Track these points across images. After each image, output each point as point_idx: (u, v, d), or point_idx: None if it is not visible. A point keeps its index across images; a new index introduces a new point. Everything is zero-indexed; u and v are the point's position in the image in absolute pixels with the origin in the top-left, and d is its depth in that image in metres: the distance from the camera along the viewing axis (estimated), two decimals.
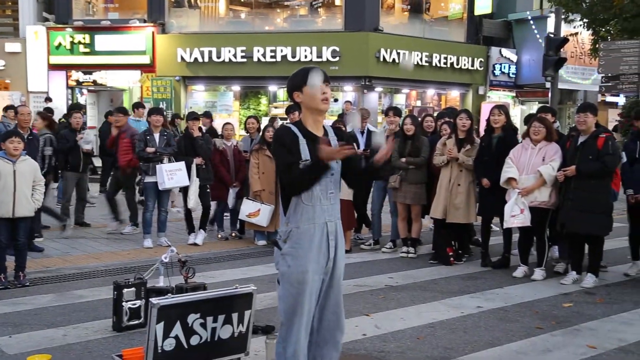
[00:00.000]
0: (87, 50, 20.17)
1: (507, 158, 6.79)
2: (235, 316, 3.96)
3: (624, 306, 5.82)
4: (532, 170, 6.59)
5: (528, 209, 6.55)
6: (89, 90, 21.24)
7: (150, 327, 3.62)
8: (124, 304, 4.87)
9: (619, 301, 5.99)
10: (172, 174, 7.93)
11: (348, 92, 20.49)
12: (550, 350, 4.67)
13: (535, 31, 21.91)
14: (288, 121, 8.52)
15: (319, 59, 18.82)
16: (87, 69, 20.47)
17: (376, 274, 6.96)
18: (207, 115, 11.27)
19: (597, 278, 6.53)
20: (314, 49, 19.16)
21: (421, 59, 20.24)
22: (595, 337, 4.96)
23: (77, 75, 20.69)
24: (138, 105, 11.50)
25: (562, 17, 16.23)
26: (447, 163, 7.25)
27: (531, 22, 22.22)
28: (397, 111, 8.32)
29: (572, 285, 6.48)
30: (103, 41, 20.09)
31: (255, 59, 19.43)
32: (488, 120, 7.33)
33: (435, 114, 10.17)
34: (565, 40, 14.97)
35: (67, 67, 20.52)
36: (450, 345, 4.74)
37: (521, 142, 6.99)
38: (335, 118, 13.03)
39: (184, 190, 8.26)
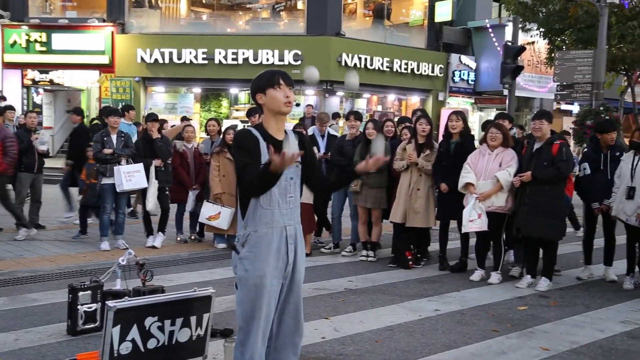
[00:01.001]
0: (44, 48, 19.75)
1: (465, 163, 6.90)
2: (193, 319, 3.92)
3: (576, 309, 5.97)
4: (490, 176, 6.71)
5: (485, 214, 6.67)
6: (45, 90, 20.80)
7: (106, 331, 3.56)
8: (79, 307, 4.78)
9: (572, 304, 6.14)
10: (130, 176, 7.82)
11: (310, 96, 20.54)
12: (506, 353, 4.75)
13: (494, 39, 22.33)
14: (249, 124, 8.52)
15: (281, 63, 18.83)
16: (44, 68, 20.06)
17: (336, 277, 6.98)
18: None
19: (551, 282, 6.68)
20: (276, 52, 19.16)
21: (382, 65, 20.43)
22: (549, 340, 5.07)
23: (33, 74, 20.27)
24: (128, 108, 11.16)
25: (520, 26, 16.60)
26: (407, 168, 7.32)
27: (490, 30, 22.64)
28: (358, 115, 8.38)
29: (527, 289, 6.61)
30: (60, 40, 19.70)
31: (216, 61, 19.32)
32: (446, 126, 7.43)
33: (395, 119, 10.26)
34: (522, 48, 15.30)
35: (22, 66, 20.08)
36: (408, 348, 4.78)
37: (478, 147, 7.11)
38: (296, 122, 13.05)
39: (143, 193, 8.16)
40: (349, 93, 21.40)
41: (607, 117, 12.02)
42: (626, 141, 11.75)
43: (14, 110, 10.64)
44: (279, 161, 2.92)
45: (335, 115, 16.78)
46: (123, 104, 18.46)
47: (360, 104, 22.04)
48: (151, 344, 3.75)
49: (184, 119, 10.71)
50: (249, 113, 8.85)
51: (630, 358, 4.72)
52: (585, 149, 7.17)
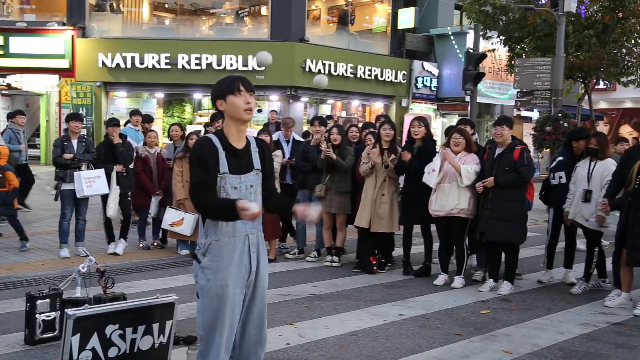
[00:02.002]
0: (1, 52, 19.25)
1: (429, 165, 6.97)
2: (156, 327, 3.87)
3: (537, 312, 6.06)
4: (453, 179, 6.78)
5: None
6: (2, 94, 20.30)
7: (66, 340, 3.48)
8: (37, 316, 4.66)
9: (533, 307, 6.23)
10: (90, 182, 7.67)
11: (274, 101, 20.51)
12: (469, 356, 4.80)
13: (456, 46, 22.68)
14: (212, 129, 8.44)
15: (245, 68, 18.77)
16: (1, 72, 19.54)
17: (300, 282, 6.96)
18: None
19: (512, 285, 6.77)
20: (240, 57, 19.08)
21: (346, 71, 20.53)
22: (511, 343, 5.13)
23: None
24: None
25: (481, 33, 16.86)
26: (372, 172, 7.35)
27: (451, 37, 22.98)
28: (322, 121, 8.38)
29: (489, 293, 6.69)
30: (18, 43, 19.24)
31: (179, 66, 19.16)
32: (409, 132, 7.49)
33: (360, 125, 10.31)
34: (483, 55, 15.54)
35: None
36: (373, 353, 4.79)
37: (442, 149, 7.16)
38: (260, 127, 13.01)
39: (103, 199, 8.01)
40: (313, 99, 21.44)
41: (580, 126, 12.28)
42: None
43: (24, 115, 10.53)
44: (244, 215, 3.02)
45: (328, 118, 16.95)
46: (83, 109, 18.25)
47: (325, 110, 22.11)
48: (112, 352, 3.68)
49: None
50: (212, 118, 8.79)
51: (589, 359, 4.80)
52: (561, 158, 7.19)
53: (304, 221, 3.17)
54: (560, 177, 7.05)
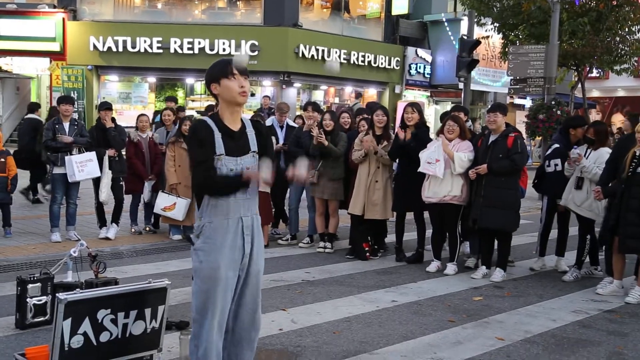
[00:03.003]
0: None
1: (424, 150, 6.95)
2: (148, 312, 3.83)
3: (529, 299, 6.08)
4: (447, 166, 6.76)
5: (444, 161, 6.72)
6: None
7: (57, 324, 3.44)
8: (28, 300, 4.63)
9: (525, 294, 6.25)
10: (82, 166, 7.60)
11: (267, 87, 20.42)
12: (462, 343, 4.80)
13: (450, 33, 22.61)
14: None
15: (238, 53, 18.62)
16: None
17: (293, 268, 6.95)
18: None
19: (505, 272, 6.79)
20: (233, 42, 18.97)
21: (340, 57, 20.43)
22: (503, 329, 5.14)
23: None
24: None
25: (475, 20, 16.79)
26: (365, 159, 7.32)
27: (445, 24, 22.90)
28: (316, 106, 8.34)
29: (482, 280, 6.70)
30: (8, 26, 19.06)
31: (172, 50, 19.03)
32: (402, 118, 7.46)
33: (355, 109, 10.26)
34: (477, 42, 15.48)
35: None
36: (366, 339, 4.78)
37: (436, 139, 7.14)
38: (252, 113, 12.94)
39: (95, 183, 7.95)
40: (306, 85, 21.36)
41: (576, 113, 12.27)
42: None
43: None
44: (254, 180, 3.05)
45: (358, 96, 16.99)
46: (74, 92, 18.10)
47: (318, 96, 22.03)
48: (104, 337, 3.65)
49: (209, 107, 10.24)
50: (207, 110, 8.73)
51: (581, 346, 4.82)
52: (557, 145, 7.17)
53: (298, 183, 3.20)
54: (555, 165, 7.03)
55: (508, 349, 4.71)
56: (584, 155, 6.66)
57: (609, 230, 6.22)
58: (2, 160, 7.60)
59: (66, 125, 7.76)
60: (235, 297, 3.32)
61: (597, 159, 6.56)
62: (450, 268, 6.96)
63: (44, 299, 4.71)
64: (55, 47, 19.12)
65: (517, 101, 25.34)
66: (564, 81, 19.15)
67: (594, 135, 6.71)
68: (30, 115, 10.94)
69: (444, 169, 6.75)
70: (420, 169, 6.89)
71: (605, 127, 7.06)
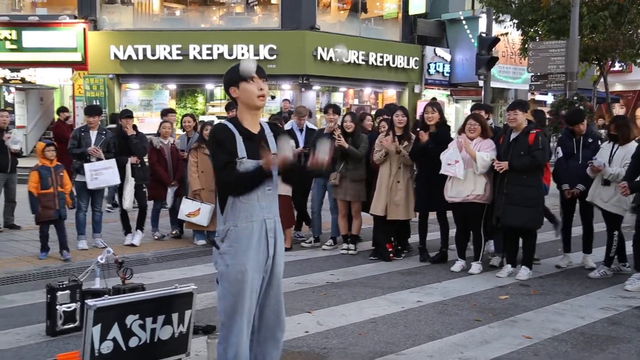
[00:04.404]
0: (14, 46, 19.33)
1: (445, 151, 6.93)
2: (175, 316, 3.87)
3: (556, 297, 6.02)
4: (469, 165, 6.73)
5: (462, 161, 6.69)
6: (17, 89, 20.42)
7: (87, 330, 3.50)
8: (58, 307, 4.70)
9: (552, 292, 6.19)
10: (97, 174, 7.63)
11: (286, 90, 20.47)
12: (489, 342, 4.78)
13: (468, 31, 22.46)
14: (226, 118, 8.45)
15: (256, 57, 18.68)
16: (15, 66, 19.63)
17: (317, 271, 6.96)
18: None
19: (530, 270, 6.73)
20: (251, 47, 19.04)
21: (358, 58, 20.41)
22: (531, 328, 5.10)
23: (3, 72, 19.83)
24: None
25: (493, 17, 16.68)
26: (386, 159, 7.31)
27: (463, 22, 22.75)
28: (336, 109, 8.34)
29: (507, 278, 6.65)
30: (31, 37, 19.31)
31: (191, 57, 19.14)
32: (422, 118, 7.45)
33: (372, 113, 10.27)
34: (496, 40, 15.38)
35: None
36: (392, 340, 4.78)
37: (457, 138, 7.12)
38: (272, 115, 12.97)
39: (119, 191, 8.04)
40: (325, 87, 21.37)
41: (576, 107, 12.13)
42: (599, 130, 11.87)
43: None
44: (277, 162, 3.02)
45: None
46: (97, 101, 18.31)
47: (337, 98, 22.03)
48: (133, 342, 3.70)
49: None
50: (228, 107, 8.79)
51: (610, 344, 4.77)
52: (561, 135, 7.27)
53: (321, 165, 3.14)
54: (557, 152, 7.16)
55: (536, 347, 4.67)
56: (611, 152, 6.59)
57: (637, 225, 6.14)
58: (61, 174, 7.22)
59: (93, 134, 7.85)
60: (259, 299, 3.35)
61: (625, 155, 6.47)
62: (475, 267, 6.92)
63: (73, 305, 4.77)
64: (77, 57, 19.36)
65: (539, 97, 25.09)
66: (586, 76, 18.92)
67: (616, 131, 6.65)
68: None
69: (465, 168, 6.72)
70: (441, 172, 6.87)
71: (627, 120, 7.00)
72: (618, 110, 26.83)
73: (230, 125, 3.24)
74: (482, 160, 6.65)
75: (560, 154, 7.09)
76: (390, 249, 7.50)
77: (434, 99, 19.26)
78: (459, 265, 7.03)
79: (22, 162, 9.65)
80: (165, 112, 9.29)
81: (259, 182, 3.18)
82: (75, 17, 19.58)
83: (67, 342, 4.63)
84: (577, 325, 5.18)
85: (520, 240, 6.85)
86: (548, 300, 5.91)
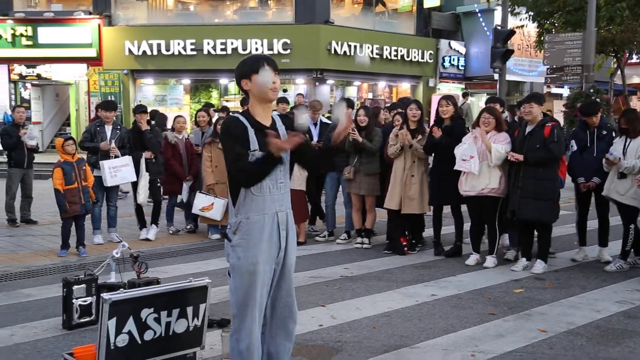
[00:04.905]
0: (30, 42, 19.52)
1: (459, 145, 6.90)
2: (190, 310, 3.89)
3: (572, 290, 5.98)
4: (483, 158, 6.69)
5: (477, 157, 6.66)
6: (32, 85, 20.60)
7: (102, 324, 3.52)
8: (74, 301, 4.75)
9: (567, 286, 6.15)
10: (115, 171, 7.69)
11: (300, 84, 20.46)
12: (504, 335, 4.76)
13: (483, 24, 22.30)
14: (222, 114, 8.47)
15: (270, 52, 18.71)
16: (30, 62, 19.82)
17: (331, 265, 6.97)
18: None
19: (546, 264, 6.69)
20: (265, 41, 19.05)
21: (372, 52, 20.35)
22: (546, 321, 5.07)
23: (20, 69, 20.02)
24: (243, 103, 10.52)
25: (509, 10, 16.55)
26: (401, 153, 7.29)
27: (479, 14, 22.59)
28: (349, 103, 8.33)
29: (522, 272, 6.62)
30: (46, 33, 19.47)
31: (205, 52, 19.20)
32: (437, 111, 7.41)
33: (387, 106, 10.24)
34: (512, 32, 15.26)
35: (8, 61, 19.83)
36: (406, 334, 4.78)
37: (471, 132, 7.08)
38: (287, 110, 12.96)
39: (134, 185, 8.10)
40: (339, 81, 21.33)
41: (592, 99, 12.02)
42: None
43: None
44: (281, 144, 2.97)
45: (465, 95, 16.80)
46: (112, 97, 18.42)
47: (351, 92, 21.98)
48: (148, 335, 3.72)
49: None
50: (243, 102, 8.81)
51: (627, 337, 4.73)
52: (574, 128, 7.22)
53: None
54: (571, 146, 7.09)
55: (551, 340, 4.65)
56: (624, 146, 6.54)
57: None
58: (84, 168, 7.24)
59: (108, 129, 7.91)
60: (271, 291, 3.36)
61: (638, 147, 6.43)
62: (490, 261, 6.89)
63: (89, 299, 4.82)
64: (92, 53, 19.50)
65: (554, 90, 24.86)
66: (603, 68, 18.73)
67: (627, 125, 6.60)
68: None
69: (480, 162, 6.69)
70: (456, 167, 6.84)
71: (637, 114, 6.95)
72: (635, 102, 26.52)
73: (242, 118, 3.24)
74: (497, 152, 6.61)
75: (575, 147, 7.03)
76: (404, 243, 7.49)
77: (465, 94, 19.21)
78: (473, 258, 7.00)
79: (38, 158, 9.74)
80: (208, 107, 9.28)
81: (270, 167, 3.13)
82: (90, 13, 19.70)
83: (83, 335, 4.67)
84: (593, 318, 5.15)
85: (536, 233, 6.81)
86: (563, 293, 5.87)
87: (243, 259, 3.21)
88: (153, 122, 8.31)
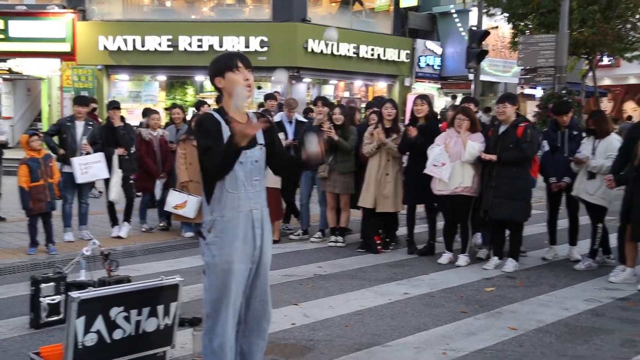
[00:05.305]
0: (1, 36, 19.13)
1: (433, 144, 6.93)
2: (160, 309, 3.85)
3: (542, 289, 6.05)
4: (457, 157, 6.74)
5: (449, 166, 6.69)
6: (4, 79, 20.22)
7: (70, 323, 3.47)
8: (42, 299, 4.68)
9: (537, 284, 6.23)
10: (86, 167, 7.57)
11: (276, 82, 20.38)
12: (475, 333, 4.80)
13: (459, 24, 22.46)
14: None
15: (247, 49, 18.63)
16: (1, 56, 19.44)
17: (305, 263, 6.97)
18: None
19: (517, 263, 6.76)
20: (242, 39, 18.96)
21: (349, 50, 20.37)
22: (516, 319, 5.13)
23: None
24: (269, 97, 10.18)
25: (484, 10, 16.70)
26: (376, 152, 7.31)
27: (454, 15, 22.74)
28: (325, 101, 8.34)
29: (494, 270, 6.68)
30: (18, 27, 19.11)
31: (181, 48, 19.04)
32: (412, 110, 7.45)
33: (363, 105, 10.27)
34: (486, 33, 15.40)
35: None
36: (378, 332, 4.79)
37: (446, 132, 7.11)
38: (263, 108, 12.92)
39: (106, 182, 8.00)
40: (316, 80, 21.32)
41: (563, 99, 12.19)
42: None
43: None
44: (243, 128, 2.90)
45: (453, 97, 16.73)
46: (86, 92, 18.18)
47: (327, 91, 21.99)
48: (117, 334, 3.68)
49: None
50: (219, 100, 8.74)
51: (594, 335, 4.80)
52: (546, 129, 7.32)
53: (316, 156, 3.12)
54: (543, 146, 7.19)
55: (521, 338, 4.70)
56: (593, 146, 6.65)
57: (621, 218, 6.19)
58: (50, 164, 7.08)
59: (80, 124, 7.79)
60: (246, 289, 3.34)
61: (607, 147, 6.54)
62: (462, 259, 6.95)
63: (57, 298, 4.75)
64: (65, 47, 19.20)
65: (528, 91, 25.13)
66: (575, 70, 18.98)
67: (594, 126, 6.72)
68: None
69: (453, 162, 6.72)
70: (426, 171, 6.86)
71: (603, 114, 7.12)
72: (606, 104, 26.95)
73: (216, 115, 3.22)
74: (472, 148, 6.66)
75: (546, 148, 7.12)
76: (378, 241, 7.52)
77: (454, 96, 19.23)
78: (446, 257, 7.05)
79: (7, 154, 9.58)
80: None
81: (234, 155, 3.04)
82: (64, 7, 19.41)
83: (51, 334, 4.61)
84: (562, 316, 5.22)
85: (507, 232, 6.88)
86: (533, 292, 5.94)
87: (218, 257, 3.19)
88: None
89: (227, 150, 3.01)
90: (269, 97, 8.86)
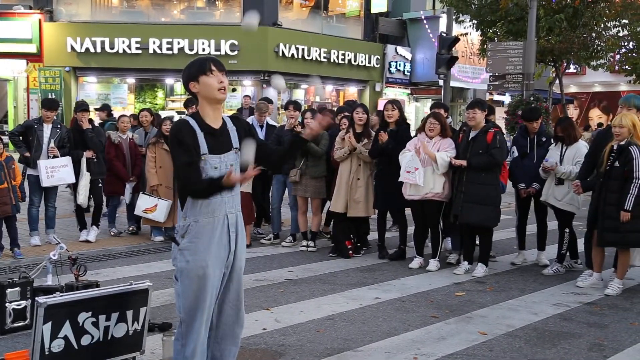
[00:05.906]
0: None
1: (404, 150, 6.96)
2: (129, 314, 3.80)
3: (511, 293, 6.12)
4: (428, 163, 6.78)
5: (422, 169, 6.74)
6: None
7: (37, 328, 3.40)
8: (7, 304, 4.57)
9: (507, 289, 6.29)
10: (53, 171, 7.41)
11: (247, 86, 20.35)
12: (445, 338, 4.82)
13: (429, 30, 22.70)
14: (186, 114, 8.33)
15: (217, 52, 18.57)
16: None
17: (276, 268, 6.94)
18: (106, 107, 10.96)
19: (487, 267, 6.82)
20: (212, 42, 18.89)
21: (320, 55, 20.43)
22: (486, 324, 5.17)
23: None
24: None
25: (453, 17, 16.89)
26: (348, 157, 7.32)
27: (424, 21, 22.98)
28: (297, 105, 8.33)
29: (464, 275, 6.73)
30: None
31: (150, 51, 18.89)
32: (382, 115, 7.48)
33: (334, 109, 10.29)
34: (456, 39, 15.57)
35: None
36: (350, 337, 4.79)
37: (416, 136, 7.17)
38: (233, 112, 12.89)
39: (74, 185, 7.86)
40: (287, 84, 21.32)
41: (532, 106, 12.39)
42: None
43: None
44: (235, 179, 2.97)
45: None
46: (52, 95, 17.89)
47: (299, 95, 22.01)
48: (85, 340, 3.61)
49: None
50: (187, 104, 8.68)
51: (562, 339, 4.87)
52: (515, 135, 7.44)
53: (246, 166, 3.13)
54: (512, 152, 7.30)
55: (490, 343, 4.74)
56: (560, 153, 6.76)
57: (588, 224, 6.30)
58: (12, 167, 6.92)
59: (47, 127, 7.64)
60: (219, 294, 3.32)
61: (575, 154, 6.66)
62: (433, 264, 6.99)
63: (23, 303, 4.64)
64: (31, 48, 18.90)
65: (496, 97, 25.50)
66: (542, 77, 19.32)
67: (562, 132, 6.84)
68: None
69: (424, 167, 6.77)
70: (400, 179, 6.89)
71: (571, 121, 7.26)
72: (572, 111, 27.45)
73: (192, 122, 3.19)
74: (442, 160, 6.71)
75: (515, 154, 7.22)
76: (349, 246, 7.52)
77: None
78: (416, 262, 7.09)
79: None
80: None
81: (218, 192, 3.13)
82: (31, 8, 19.12)
83: (16, 340, 4.50)
84: (531, 321, 5.28)
85: (477, 237, 6.95)
86: (503, 296, 6.00)
87: (192, 262, 3.16)
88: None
89: (213, 185, 3.07)
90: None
